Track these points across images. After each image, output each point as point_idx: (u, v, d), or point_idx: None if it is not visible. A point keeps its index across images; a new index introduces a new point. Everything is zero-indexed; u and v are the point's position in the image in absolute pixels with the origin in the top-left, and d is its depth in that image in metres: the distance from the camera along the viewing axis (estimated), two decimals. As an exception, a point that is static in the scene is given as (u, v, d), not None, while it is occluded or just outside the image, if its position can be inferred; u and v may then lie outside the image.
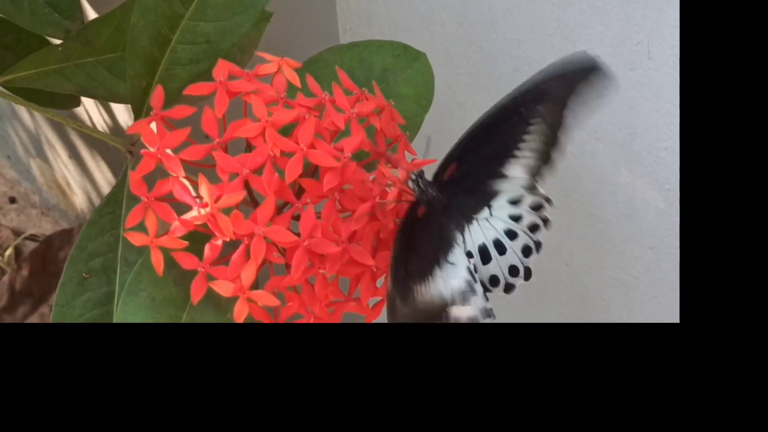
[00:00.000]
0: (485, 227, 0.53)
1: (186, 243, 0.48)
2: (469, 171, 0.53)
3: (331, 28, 0.84)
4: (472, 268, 0.51)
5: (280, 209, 0.50)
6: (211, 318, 0.52)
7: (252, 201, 0.52)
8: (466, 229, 0.53)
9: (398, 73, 0.59)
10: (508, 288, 0.53)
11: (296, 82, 0.52)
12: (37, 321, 1.29)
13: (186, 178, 0.50)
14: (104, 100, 0.72)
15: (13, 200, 1.53)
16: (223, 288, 0.48)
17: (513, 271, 0.53)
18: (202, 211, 0.48)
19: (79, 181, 1.40)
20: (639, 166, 0.73)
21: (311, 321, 0.50)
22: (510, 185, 0.53)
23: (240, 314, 0.48)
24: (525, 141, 0.53)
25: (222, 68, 0.52)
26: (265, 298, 0.48)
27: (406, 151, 0.54)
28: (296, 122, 0.50)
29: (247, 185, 0.49)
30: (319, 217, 0.49)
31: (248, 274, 0.47)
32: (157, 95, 0.53)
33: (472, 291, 0.51)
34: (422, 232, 0.51)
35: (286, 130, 0.50)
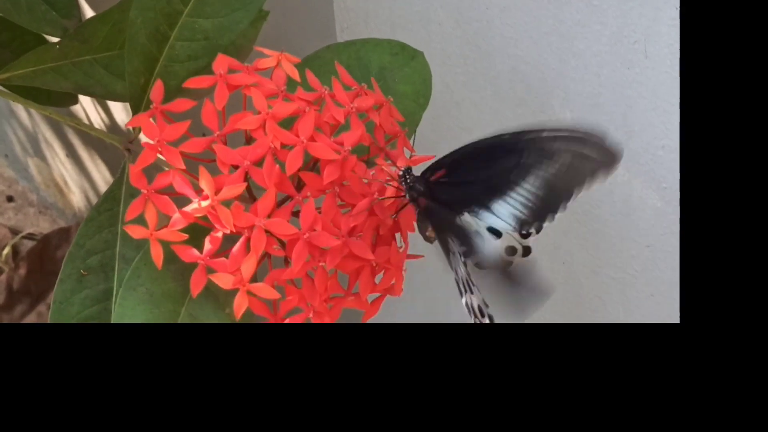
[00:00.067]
0: (466, 222, 0.53)
1: (186, 236, 0.48)
2: (457, 183, 0.53)
3: (329, 26, 0.84)
4: (462, 258, 0.52)
5: (279, 203, 0.50)
6: (209, 313, 0.52)
7: (250, 195, 0.52)
8: (456, 219, 0.53)
9: (396, 71, 0.59)
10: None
11: (295, 76, 0.53)
12: (34, 320, 1.29)
13: (185, 171, 0.50)
14: (101, 98, 0.72)
15: (10, 199, 1.52)
16: (224, 280, 0.48)
17: (509, 251, 0.52)
18: (203, 203, 0.48)
19: (76, 180, 1.40)
20: (636, 165, 0.73)
21: (310, 315, 0.50)
22: (493, 219, 0.53)
23: (240, 307, 0.48)
24: (518, 192, 0.52)
25: (221, 62, 0.52)
26: (265, 290, 0.48)
27: (404, 148, 0.54)
28: (296, 116, 0.50)
29: (245, 178, 0.49)
30: (318, 211, 0.49)
31: (248, 267, 0.47)
32: (157, 89, 0.53)
33: (471, 282, 0.51)
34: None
35: (286, 125, 0.50)
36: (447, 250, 0.51)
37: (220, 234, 0.48)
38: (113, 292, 0.60)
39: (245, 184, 0.48)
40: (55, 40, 0.68)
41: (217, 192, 0.48)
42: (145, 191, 0.50)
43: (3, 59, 0.71)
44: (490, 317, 0.51)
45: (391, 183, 0.52)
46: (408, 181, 0.52)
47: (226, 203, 0.48)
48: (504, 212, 0.52)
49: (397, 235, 0.53)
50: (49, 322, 0.59)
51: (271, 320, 0.50)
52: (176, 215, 0.48)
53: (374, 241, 0.51)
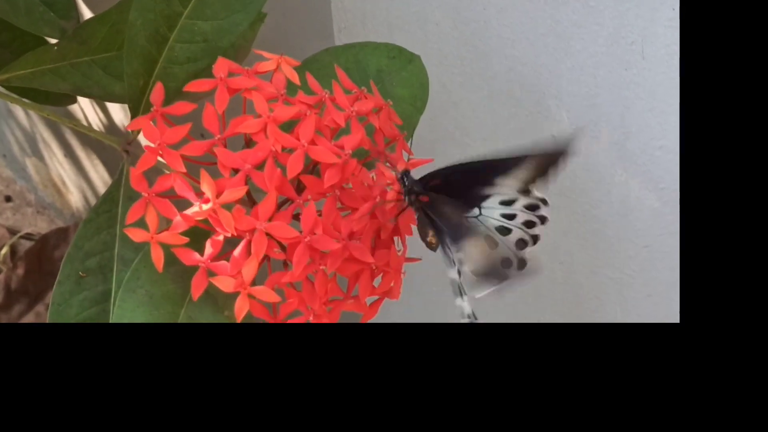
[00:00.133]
0: (474, 224, 0.53)
1: (187, 239, 0.49)
2: (456, 182, 0.53)
3: (326, 26, 0.84)
4: (458, 262, 0.52)
5: (279, 206, 0.50)
6: (208, 315, 0.52)
7: (249, 198, 0.52)
8: None
9: (393, 75, 0.59)
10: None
11: (295, 79, 0.53)
12: (32, 320, 1.29)
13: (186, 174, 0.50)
14: (100, 99, 0.72)
15: (8, 199, 1.52)
16: (225, 284, 0.48)
17: (505, 263, 0.53)
18: (204, 207, 0.48)
19: (74, 180, 1.40)
20: (633, 165, 0.73)
21: (310, 318, 0.50)
22: (502, 189, 0.53)
23: (241, 310, 0.48)
24: (518, 167, 0.53)
25: (222, 65, 0.52)
26: (265, 294, 0.48)
27: (403, 151, 0.55)
28: (296, 119, 0.50)
29: (246, 181, 0.49)
30: (318, 214, 0.49)
31: (249, 270, 0.47)
32: (157, 92, 0.53)
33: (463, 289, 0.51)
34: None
35: (286, 128, 0.50)
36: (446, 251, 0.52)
37: (221, 237, 0.48)
38: (112, 294, 0.60)
39: (246, 188, 0.48)
40: (54, 41, 0.68)
41: (218, 195, 0.48)
42: (146, 194, 0.50)
43: (2, 60, 0.71)
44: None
45: (392, 186, 0.52)
46: (407, 184, 0.52)
47: (227, 206, 0.48)
48: (509, 181, 0.53)
49: (396, 238, 0.53)
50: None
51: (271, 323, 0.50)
52: (177, 218, 0.49)
53: (374, 244, 0.51)
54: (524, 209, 0.53)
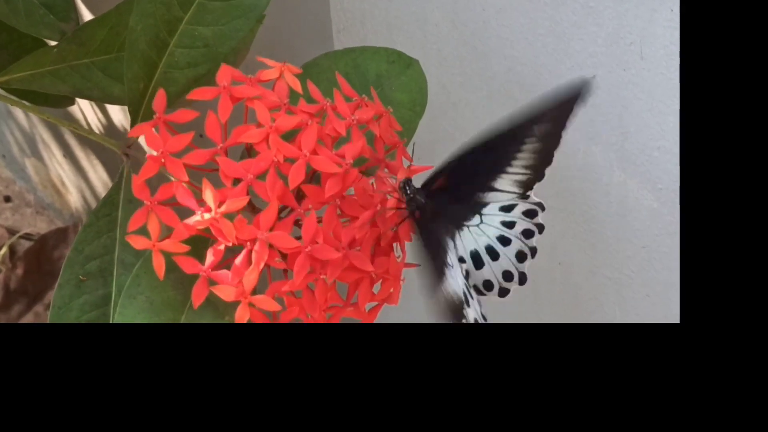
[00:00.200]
0: (476, 234, 0.54)
1: (188, 247, 0.49)
2: (458, 183, 0.54)
3: (325, 27, 0.84)
4: (463, 273, 0.52)
5: (279, 213, 0.50)
6: (209, 321, 0.52)
7: (250, 206, 0.52)
8: (457, 235, 0.53)
9: (392, 80, 0.60)
10: (503, 292, 0.54)
11: (298, 88, 0.53)
12: (31, 320, 1.29)
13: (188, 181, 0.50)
14: (99, 101, 0.72)
15: (8, 199, 1.52)
16: (225, 292, 0.48)
17: (507, 276, 0.54)
18: (206, 216, 0.48)
19: (73, 180, 1.40)
20: (632, 166, 0.73)
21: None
22: (501, 195, 0.54)
23: (241, 319, 0.48)
24: (517, 159, 0.53)
25: (225, 73, 0.52)
26: (266, 302, 0.48)
27: (402, 158, 0.55)
28: (298, 128, 0.50)
29: (248, 191, 0.49)
30: (319, 223, 0.49)
31: (250, 279, 0.48)
32: (159, 99, 0.53)
33: (469, 294, 0.51)
34: (426, 235, 0.52)
35: (287, 137, 0.50)
36: (436, 263, 0.51)
37: (222, 246, 0.48)
38: (112, 298, 0.60)
39: (248, 198, 0.49)
40: (53, 43, 0.68)
41: (220, 204, 0.48)
42: (149, 203, 0.50)
43: (1, 62, 0.71)
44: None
45: (392, 195, 0.52)
46: (408, 192, 0.52)
47: (229, 216, 0.48)
48: (507, 185, 0.54)
49: (395, 244, 0.53)
50: (47, 325, 0.59)
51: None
52: (179, 227, 0.49)
53: (373, 251, 0.51)
54: (523, 216, 0.54)
